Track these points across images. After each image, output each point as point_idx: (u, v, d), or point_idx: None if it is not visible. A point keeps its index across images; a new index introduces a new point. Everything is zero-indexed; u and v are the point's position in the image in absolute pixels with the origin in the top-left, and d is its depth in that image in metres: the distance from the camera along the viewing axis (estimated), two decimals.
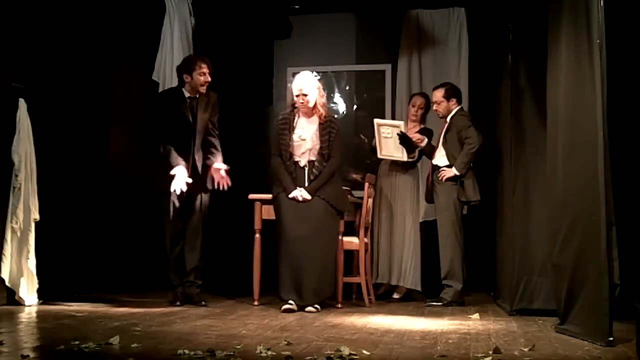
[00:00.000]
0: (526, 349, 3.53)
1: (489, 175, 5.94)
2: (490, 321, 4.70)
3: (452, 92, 5.91)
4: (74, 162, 5.88)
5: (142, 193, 6.00)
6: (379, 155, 6.12)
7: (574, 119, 4.07)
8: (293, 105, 5.41)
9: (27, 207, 5.14)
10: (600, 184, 3.67)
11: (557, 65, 4.38)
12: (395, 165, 6.10)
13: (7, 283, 5.08)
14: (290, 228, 5.14)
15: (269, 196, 5.42)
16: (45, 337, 3.82)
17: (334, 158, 5.33)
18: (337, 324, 4.42)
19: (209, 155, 5.41)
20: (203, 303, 5.27)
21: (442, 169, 5.78)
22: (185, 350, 3.23)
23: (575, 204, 4.01)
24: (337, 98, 7.61)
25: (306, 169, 5.30)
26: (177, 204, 5.32)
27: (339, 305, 5.34)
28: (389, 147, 6.00)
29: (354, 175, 6.55)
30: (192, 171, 5.34)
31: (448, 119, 5.87)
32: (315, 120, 5.36)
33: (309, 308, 5.05)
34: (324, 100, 5.43)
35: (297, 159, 5.33)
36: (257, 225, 5.50)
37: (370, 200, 5.79)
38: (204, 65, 5.32)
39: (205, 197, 5.42)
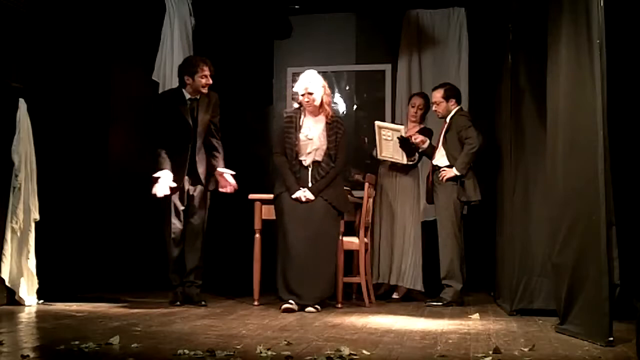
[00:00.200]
0: (526, 349, 3.53)
1: (489, 175, 5.94)
2: (490, 321, 4.70)
3: (451, 93, 5.91)
4: (74, 162, 5.88)
5: (142, 193, 6.00)
6: (378, 156, 6.12)
7: (574, 119, 4.07)
8: (299, 105, 5.40)
9: (27, 207, 5.14)
10: (600, 184, 3.66)
11: (557, 65, 4.38)
12: (395, 165, 6.10)
13: (7, 283, 5.08)
14: (291, 228, 5.14)
15: (269, 196, 5.42)
16: (45, 337, 3.82)
17: (339, 159, 5.31)
18: (337, 324, 4.42)
19: (212, 159, 5.42)
20: (203, 303, 5.27)
21: (442, 169, 5.78)
22: (185, 350, 3.23)
23: (575, 204, 4.01)
24: (337, 98, 7.60)
25: (310, 169, 5.29)
26: (177, 204, 5.32)
27: (339, 305, 5.34)
28: (389, 149, 6.01)
29: (357, 176, 6.55)
30: (193, 172, 5.35)
31: (448, 119, 5.87)
32: (322, 119, 5.34)
33: (309, 308, 5.05)
34: (330, 99, 5.40)
35: (302, 158, 5.30)
36: (257, 225, 5.50)
37: (370, 200, 5.79)
38: (205, 68, 5.32)
39: (206, 198, 5.42)
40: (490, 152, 5.86)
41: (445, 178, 5.72)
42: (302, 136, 5.29)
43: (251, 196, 5.54)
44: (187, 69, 5.36)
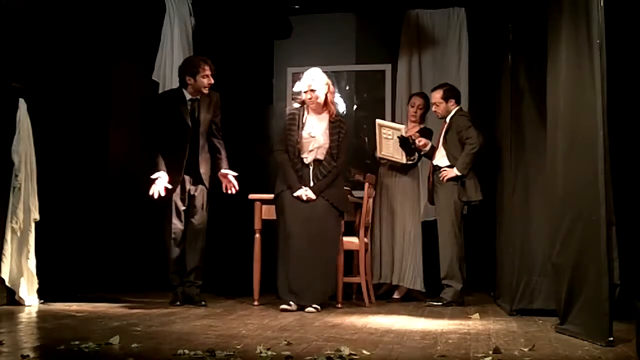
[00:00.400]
0: (526, 349, 3.53)
1: (489, 175, 5.93)
2: (490, 321, 4.70)
3: (450, 93, 5.91)
4: (74, 162, 5.88)
5: (142, 193, 6.00)
6: (378, 154, 6.12)
7: (574, 119, 4.07)
8: (302, 102, 5.39)
9: (27, 207, 5.14)
10: (600, 184, 3.66)
11: (557, 65, 4.37)
12: (396, 165, 6.10)
13: (7, 283, 5.08)
14: (292, 227, 5.13)
15: (269, 196, 5.42)
16: (45, 337, 3.82)
17: (341, 159, 5.31)
18: (337, 324, 4.42)
19: (216, 160, 5.43)
20: (203, 303, 5.27)
21: (443, 169, 5.78)
22: (185, 350, 3.23)
23: (575, 204, 4.01)
24: (337, 98, 7.59)
25: (311, 167, 5.28)
26: (178, 204, 5.33)
27: (339, 305, 5.34)
28: (389, 148, 6.01)
29: (357, 176, 6.55)
30: (194, 172, 5.35)
31: (447, 120, 5.87)
32: (325, 117, 5.33)
33: (309, 308, 5.05)
34: (334, 97, 5.39)
35: (303, 156, 5.29)
36: (257, 225, 5.50)
37: (370, 200, 5.79)
38: (207, 68, 5.32)
39: (206, 198, 5.42)
40: (490, 152, 5.86)
41: (446, 178, 5.72)
42: (304, 133, 5.28)
43: (251, 196, 5.54)
44: (188, 69, 5.36)
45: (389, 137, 5.97)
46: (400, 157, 5.97)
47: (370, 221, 5.88)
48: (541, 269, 4.95)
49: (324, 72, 5.45)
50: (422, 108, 6.21)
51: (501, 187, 5.60)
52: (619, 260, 3.78)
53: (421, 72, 7.32)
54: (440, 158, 5.85)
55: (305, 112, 5.35)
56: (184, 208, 5.36)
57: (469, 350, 3.50)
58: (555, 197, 4.33)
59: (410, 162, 6.03)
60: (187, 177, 5.34)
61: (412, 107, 6.23)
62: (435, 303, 5.60)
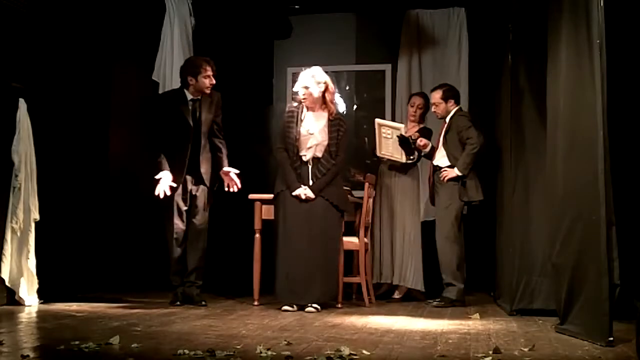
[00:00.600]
0: (526, 349, 3.53)
1: (489, 175, 5.93)
2: (490, 321, 4.70)
3: (450, 93, 5.91)
4: (74, 162, 5.88)
5: (142, 193, 6.00)
6: (377, 154, 6.12)
7: (574, 119, 4.07)
8: (300, 101, 5.37)
9: (27, 207, 5.14)
10: (600, 184, 3.66)
11: (557, 65, 4.38)
12: (396, 165, 6.10)
13: (7, 283, 5.08)
14: (292, 227, 5.13)
15: (269, 196, 5.42)
16: (45, 337, 3.82)
17: (340, 157, 5.29)
18: (337, 324, 4.42)
19: (217, 159, 5.44)
20: (203, 303, 5.27)
21: (443, 169, 5.77)
22: (185, 350, 3.23)
23: (575, 204, 4.01)
24: (337, 98, 7.60)
25: (310, 165, 5.27)
26: (180, 204, 5.33)
27: (339, 305, 5.34)
28: (389, 148, 6.01)
29: (357, 176, 6.55)
30: (196, 172, 5.35)
31: (447, 120, 5.87)
32: (324, 115, 5.32)
33: (309, 308, 5.05)
34: (332, 96, 5.36)
35: (302, 153, 5.28)
36: (257, 225, 5.50)
37: (370, 200, 5.79)
38: (208, 68, 5.31)
39: (208, 198, 5.42)
40: (490, 152, 5.86)
41: (446, 178, 5.72)
42: (303, 130, 5.27)
43: (251, 196, 5.54)
44: (190, 69, 5.36)
45: (389, 136, 5.97)
46: (399, 156, 5.97)
47: (370, 221, 5.88)
48: (541, 269, 4.95)
49: (324, 72, 5.43)
50: (422, 108, 6.21)
51: (501, 187, 5.60)
52: (619, 260, 3.78)
53: (421, 72, 7.33)
54: (441, 158, 5.85)
55: (304, 110, 5.35)
56: (185, 208, 5.36)
57: (469, 350, 3.50)
58: (555, 197, 4.33)
59: (410, 162, 6.03)
60: (188, 177, 5.34)
61: (412, 106, 6.23)
62: (438, 302, 5.59)
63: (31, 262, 5.15)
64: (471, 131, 5.70)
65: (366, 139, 7.30)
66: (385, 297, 6.08)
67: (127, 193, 6.45)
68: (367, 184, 5.67)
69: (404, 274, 6.02)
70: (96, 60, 6.26)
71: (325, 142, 5.26)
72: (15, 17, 5.24)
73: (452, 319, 4.82)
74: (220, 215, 6.06)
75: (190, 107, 5.37)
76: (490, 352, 3.39)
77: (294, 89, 5.44)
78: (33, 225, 5.19)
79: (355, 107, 7.62)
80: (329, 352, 3.29)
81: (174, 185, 5.24)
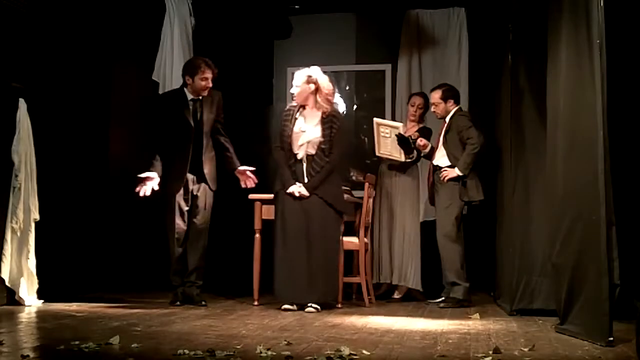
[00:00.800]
0: (526, 349, 3.53)
1: (489, 175, 5.93)
2: (490, 321, 4.70)
3: (449, 93, 5.91)
4: (74, 162, 5.88)
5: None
6: (376, 153, 6.12)
7: (574, 119, 4.07)
8: None
9: (27, 207, 5.14)
10: (600, 184, 3.66)
11: (557, 65, 4.38)
12: (395, 165, 6.10)
13: (7, 283, 5.08)
14: (288, 225, 5.15)
15: (269, 196, 5.42)
16: (45, 337, 3.82)
17: (334, 154, 5.26)
18: (337, 324, 4.42)
19: (226, 158, 5.47)
20: (203, 303, 5.27)
21: (443, 169, 5.77)
22: (185, 350, 3.23)
23: (575, 204, 4.01)
24: (337, 98, 7.59)
25: (305, 163, 5.27)
26: (182, 204, 5.33)
27: (339, 305, 5.34)
28: (387, 147, 6.01)
29: (358, 177, 6.54)
30: (198, 172, 5.35)
31: (447, 119, 5.87)
32: (317, 114, 5.32)
33: (309, 308, 5.05)
34: (325, 94, 5.32)
35: (296, 151, 5.29)
36: (257, 225, 5.51)
37: (370, 200, 5.79)
38: (207, 71, 5.31)
39: (210, 198, 5.43)
40: (490, 152, 5.86)
41: (447, 178, 5.71)
42: (295, 128, 5.29)
43: (251, 196, 5.55)
44: (189, 69, 5.37)
45: (387, 135, 5.97)
46: (398, 155, 5.97)
47: (370, 221, 5.88)
48: (541, 269, 4.95)
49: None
50: (422, 107, 6.21)
51: (501, 187, 5.60)
52: (619, 260, 3.78)
53: (421, 72, 7.32)
54: (441, 158, 5.84)
55: (300, 109, 5.36)
56: (187, 208, 5.37)
57: (469, 350, 3.50)
58: (555, 197, 4.33)
59: (409, 160, 6.02)
60: (190, 177, 5.35)
61: (412, 106, 6.23)
62: (446, 303, 5.57)
63: (31, 262, 5.15)
64: (472, 131, 5.70)
65: (366, 139, 7.30)
66: (385, 297, 6.08)
67: (127, 193, 6.43)
68: (367, 184, 5.67)
69: (404, 273, 6.02)
70: (96, 60, 6.26)
71: (318, 140, 5.26)
72: (15, 17, 5.24)
73: (452, 319, 4.82)
74: (220, 215, 6.06)
75: (190, 107, 5.37)
76: (490, 352, 3.39)
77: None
78: (33, 225, 5.19)
79: (355, 107, 7.62)
80: (329, 352, 3.30)
81: (157, 188, 5.23)
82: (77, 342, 3.41)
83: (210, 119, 5.41)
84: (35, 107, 5.29)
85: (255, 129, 7.48)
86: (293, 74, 7.34)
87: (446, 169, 5.75)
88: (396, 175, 6.13)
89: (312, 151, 5.25)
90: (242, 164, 5.50)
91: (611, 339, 3.60)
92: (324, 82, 5.34)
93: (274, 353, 3.26)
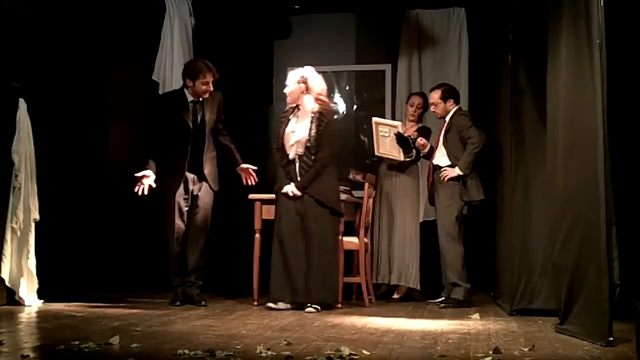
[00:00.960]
0: (526, 349, 3.53)
1: (489, 175, 5.93)
2: (490, 321, 4.70)
3: (449, 93, 5.91)
4: (74, 162, 5.88)
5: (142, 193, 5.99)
6: (376, 153, 6.12)
7: (574, 118, 4.07)
8: None
9: (27, 207, 5.14)
10: (600, 184, 3.66)
11: (557, 65, 4.38)
12: (395, 165, 6.10)
13: (7, 283, 5.08)
14: (283, 226, 5.18)
15: (269, 196, 5.44)
16: (45, 337, 3.82)
17: (322, 152, 5.24)
18: (337, 324, 4.42)
19: (231, 157, 5.52)
20: (203, 303, 5.27)
21: (443, 169, 5.77)
22: (185, 350, 3.23)
23: (575, 204, 4.01)
24: (337, 98, 7.60)
25: (297, 163, 5.27)
26: (182, 205, 5.33)
27: (339, 305, 5.34)
28: (386, 146, 6.00)
29: (356, 176, 6.54)
30: (199, 172, 5.35)
31: (447, 119, 5.87)
32: (308, 113, 5.32)
33: (309, 308, 5.05)
34: (314, 93, 5.30)
35: (287, 151, 5.31)
36: (257, 225, 5.51)
37: (370, 200, 5.79)
38: (208, 75, 5.31)
39: (210, 198, 5.43)
40: (490, 152, 5.86)
41: (447, 178, 5.71)
42: (287, 129, 5.32)
43: (251, 196, 5.55)
44: (189, 72, 5.36)
45: (386, 134, 5.97)
46: (397, 154, 5.97)
47: (370, 221, 5.87)
48: (541, 269, 4.95)
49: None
50: (421, 107, 6.21)
51: (501, 187, 5.60)
52: (619, 260, 3.78)
53: (421, 72, 7.32)
54: (441, 157, 5.84)
55: (295, 110, 5.38)
56: (187, 208, 5.37)
57: (469, 350, 3.50)
58: (555, 197, 4.33)
59: (408, 159, 6.02)
60: (190, 177, 5.35)
61: (412, 106, 6.23)
62: (446, 304, 5.57)
63: (31, 262, 5.15)
64: (472, 130, 5.69)
65: (366, 139, 7.30)
66: (385, 297, 6.08)
67: (127, 193, 6.42)
68: (367, 184, 5.67)
69: (404, 273, 6.01)
70: (96, 60, 6.26)
71: (305, 139, 5.26)
72: (15, 17, 5.24)
73: (452, 319, 4.82)
74: (220, 215, 6.06)
75: (190, 109, 5.38)
76: (490, 352, 3.39)
77: None
78: (33, 225, 5.19)
79: (355, 107, 7.62)
80: (329, 352, 3.30)
81: (154, 185, 5.25)
82: (77, 342, 3.41)
83: (211, 120, 5.42)
84: (35, 107, 5.30)
85: (255, 129, 7.48)
86: None
87: (446, 168, 5.75)
88: (396, 176, 6.13)
89: (301, 151, 5.27)
90: (243, 163, 5.52)
91: (611, 339, 3.60)
92: (315, 82, 5.34)
93: (274, 353, 3.27)
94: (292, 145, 5.28)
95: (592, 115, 3.75)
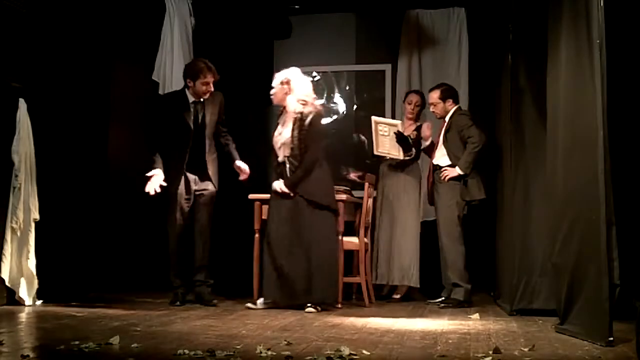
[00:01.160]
0: (526, 349, 3.53)
1: (489, 174, 5.93)
2: (490, 321, 4.70)
3: (448, 93, 5.91)
4: (73, 162, 5.88)
5: (142, 193, 5.99)
6: (375, 152, 6.12)
7: (574, 118, 4.07)
8: None
9: (27, 207, 5.14)
10: (600, 184, 3.66)
11: (557, 65, 4.38)
12: (397, 165, 6.09)
13: (7, 283, 5.08)
14: (272, 227, 5.23)
15: (269, 196, 5.43)
16: (45, 337, 3.82)
17: (308, 152, 5.23)
18: (337, 324, 4.42)
19: (229, 153, 5.54)
20: (214, 302, 5.27)
21: (444, 168, 5.76)
22: (185, 350, 3.23)
23: (575, 204, 4.01)
24: (337, 98, 7.60)
25: (287, 165, 5.28)
26: (183, 205, 5.34)
27: (339, 305, 5.34)
28: (386, 145, 6.00)
29: (352, 175, 6.53)
30: (202, 172, 5.35)
31: (447, 119, 5.87)
32: (292, 115, 5.31)
33: (309, 308, 5.05)
34: (297, 94, 5.28)
35: (277, 153, 5.33)
36: (257, 225, 5.51)
37: (370, 200, 5.79)
38: (209, 76, 5.32)
39: (212, 198, 5.42)
40: (490, 152, 5.86)
41: (448, 178, 5.71)
42: (276, 132, 5.34)
43: (251, 196, 5.55)
44: (190, 72, 5.37)
45: (385, 133, 5.97)
46: (397, 153, 5.97)
47: (370, 221, 5.87)
48: (541, 269, 4.95)
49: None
50: (419, 105, 6.22)
51: (501, 187, 5.60)
52: (619, 260, 3.78)
53: (421, 72, 7.33)
54: (441, 157, 5.84)
55: (284, 111, 5.39)
56: (188, 209, 5.38)
57: (469, 350, 3.50)
58: (555, 197, 4.33)
59: (408, 158, 6.02)
60: (192, 178, 5.36)
61: (409, 104, 6.22)
62: (446, 304, 5.57)
63: (31, 262, 5.14)
64: (472, 130, 5.69)
65: (366, 139, 7.29)
66: (387, 297, 6.08)
67: (127, 193, 6.44)
68: (367, 184, 5.67)
69: (405, 274, 6.01)
70: (96, 60, 6.26)
71: (288, 141, 5.26)
72: (15, 17, 5.24)
73: (452, 319, 4.82)
74: (221, 215, 6.06)
75: (192, 109, 5.38)
76: (490, 352, 3.39)
77: None
78: (33, 225, 5.19)
79: (355, 107, 7.62)
80: (329, 352, 3.29)
81: (164, 184, 5.26)
82: (77, 342, 3.41)
83: (212, 120, 5.42)
84: (35, 107, 5.29)
85: (255, 129, 7.48)
86: None
87: (446, 168, 5.75)
88: (397, 175, 6.12)
89: (288, 153, 5.27)
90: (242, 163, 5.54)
91: (611, 339, 3.60)
92: (299, 83, 5.32)
93: (274, 353, 3.26)
94: (279, 148, 5.30)
95: (592, 115, 3.75)
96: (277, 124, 5.39)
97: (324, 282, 5.14)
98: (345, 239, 5.52)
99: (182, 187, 5.34)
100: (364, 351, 3.35)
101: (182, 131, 5.34)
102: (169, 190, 5.33)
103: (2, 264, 5.04)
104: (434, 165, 5.92)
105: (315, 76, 7.61)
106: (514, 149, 5.13)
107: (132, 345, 3.41)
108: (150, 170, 5.27)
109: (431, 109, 6.01)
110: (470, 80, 7.10)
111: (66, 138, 5.79)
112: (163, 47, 6.42)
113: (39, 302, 5.19)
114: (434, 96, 5.92)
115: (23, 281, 5.12)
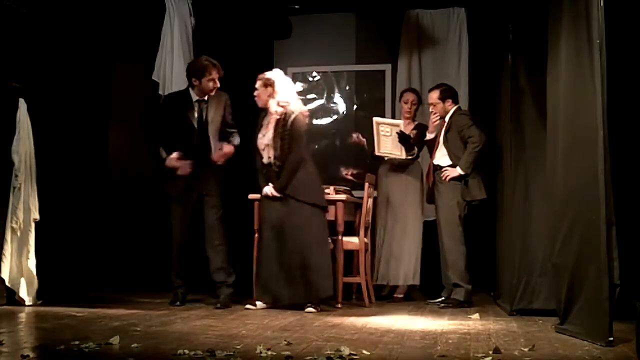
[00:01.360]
0: (526, 349, 3.53)
1: (489, 175, 5.92)
2: (490, 321, 4.70)
3: (447, 93, 5.91)
4: (73, 162, 5.88)
5: (142, 193, 6.01)
6: (376, 153, 6.12)
7: (574, 118, 4.07)
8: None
9: (27, 207, 5.14)
10: (600, 184, 3.66)
11: (557, 65, 4.38)
12: (398, 165, 6.09)
13: (7, 283, 5.08)
14: (263, 228, 5.28)
15: (260, 198, 5.45)
16: (45, 337, 3.82)
17: (292, 153, 5.23)
18: (337, 324, 4.42)
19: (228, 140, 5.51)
20: (218, 306, 5.20)
21: (444, 168, 5.76)
22: (185, 350, 3.23)
23: (575, 204, 4.01)
24: (337, 98, 7.60)
25: (273, 166, 5.29)
26: (186, 206, 5.33)
27: (339, 305, 5.34)
28: (387, 146, 6.00)
29: (346, 174, 6.52)
30: (206, 173, 5.35)
31: (447, 119, 5.87)
32: (274, 117, 5.31)
33: (309, 308, 5.05)
34: (278, 96, 5.28)
35: (262, 155, 5.33)
36: (257, 225, 5.51)
37: (371, 201, 5.79)
38: (214, 72, 5.32)
39: (218, 196, 5.41)
40: (490, 151, 5.86)
41: (448, 177, 5.71)
42: (260, 134, 5.35)
43: (251, 196, 5.55)
44: (195, 71, 5.36)
45: (387, 134, 5.97)
46: (399, 152, 5.97)
47: (370, 221, 5.87)
48: (541, 269, 4.95)
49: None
50: (416, 103, 6.23)
51: (501, 187, 5.60)
52: (619, 260, 3.78)
53: (421, 72, 7.33)
54: (441, 157, 5.84)
55: (268, 113, 5.39)
56: (192, 209, 5.36)
57: (469, 350, 3.50)
58: (555, 197, 4.33)
59: (410, 157, 6.02)
60: (196, 178, 5.34)
61: (406, 103, 6.22)
62: (446, 304, 5.57)
63: (31, 262, 5.14)
64: (473, 130, 5.69)
65: (366, 140, 7.28)
66: (387, 297, 6.07)
67: (127, 193, 6.45)
68: (367, 184, 5.67)
69: (404, 273, 6.01)
70: (96, 60, 6.26)
71: (270, 143, 5.28)
72: (15, 17, 5.24)
73: (452, 319, 4.82)
74: (221, 215, 6.06)
75: (195, 109, 5.38)
76: (490, 352, 3.39)
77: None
78: (33, 225, 5.19)
79: (355, 107, 7.62)
80: (329, 352, 3.30)
81: (191, 162, 5.24)
82: (77, 342, 3.41)
83: (216, 119, 5.41)
84: (35, 107, 5.30)
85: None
86: (293, 74, 7.43)
87: (447, 168, 5.74)
88: (399, 175, 6.12)
89: (272, 154, 5.28)
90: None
91: (611, 339, 3.60)
92: (281, 85, 5.33)
93: (274, 353, 3.27)
94: (264, 149, 5.31)
95: (592, 115, 3.75)
96: (261, 125, 5.38)
97: (318, 277, 5.13)
98: (345, 239, 5.52)
99: (185, 187, 5.32)
100: (364, 351, 3.36)
101: (185, 131, 5.34)
102: (171, 189, 5.33)
103: (2, 264, 5.04)
104: (434, 165, 5.91)
105: (315, 76, 7.62)
106: (514, 149, 5.13)
107: (132, 345, 3.41)
108: (159, 161, 5.26)
109: (430, 109, 6.00)
110: (470, 80, 7.10)
111: (66, 138, 5.80)
112: (163, 47, 6.42)
113: (39, 302, 5.18)
114: (434, 96, 5.92)
115: (23, 281, 5.12)
